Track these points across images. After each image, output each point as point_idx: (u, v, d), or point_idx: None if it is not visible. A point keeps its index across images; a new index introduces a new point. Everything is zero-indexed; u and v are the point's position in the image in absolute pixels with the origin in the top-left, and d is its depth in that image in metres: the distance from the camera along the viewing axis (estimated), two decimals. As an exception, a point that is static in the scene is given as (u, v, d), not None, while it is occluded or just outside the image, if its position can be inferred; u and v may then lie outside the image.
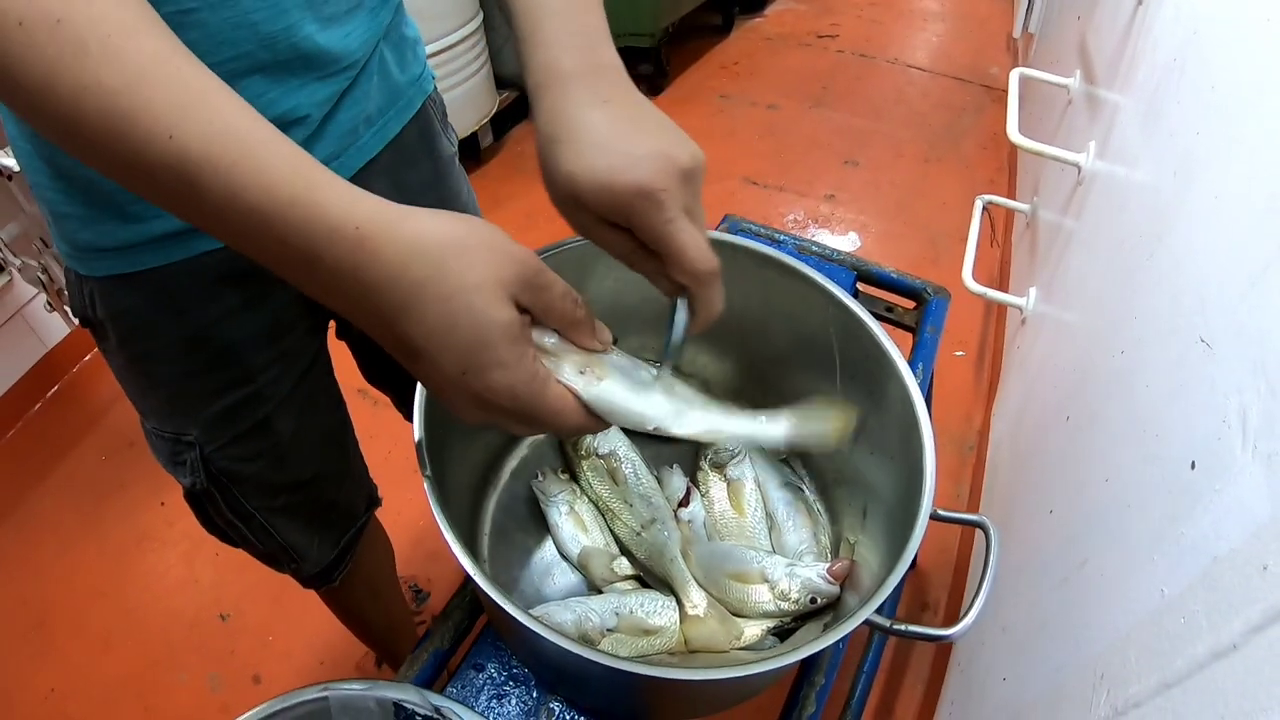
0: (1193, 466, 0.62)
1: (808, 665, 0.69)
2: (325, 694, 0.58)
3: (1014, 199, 1.88)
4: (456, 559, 0.47)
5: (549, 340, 0.44)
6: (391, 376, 0.93)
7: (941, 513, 0.57)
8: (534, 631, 0.45)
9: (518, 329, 0.40)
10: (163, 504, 1.71)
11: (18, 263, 1.64)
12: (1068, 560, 0.86)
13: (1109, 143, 1.23)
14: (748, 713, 0.96)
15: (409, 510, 1.52)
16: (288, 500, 0.81)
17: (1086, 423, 0.96)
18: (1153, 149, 0.99)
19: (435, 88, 0.74)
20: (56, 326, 1.95)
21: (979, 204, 1.65)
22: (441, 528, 0.48)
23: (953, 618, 1.28)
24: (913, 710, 1.28)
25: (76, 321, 0.70)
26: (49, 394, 1.96)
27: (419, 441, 0.52)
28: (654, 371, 0.48)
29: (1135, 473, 0.75)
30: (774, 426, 0.51)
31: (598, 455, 0.72)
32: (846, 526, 0.71)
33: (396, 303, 0.38)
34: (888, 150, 2.40)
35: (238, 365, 0.69)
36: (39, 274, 1.59)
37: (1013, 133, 1.41)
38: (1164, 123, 0.98)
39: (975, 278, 1.47)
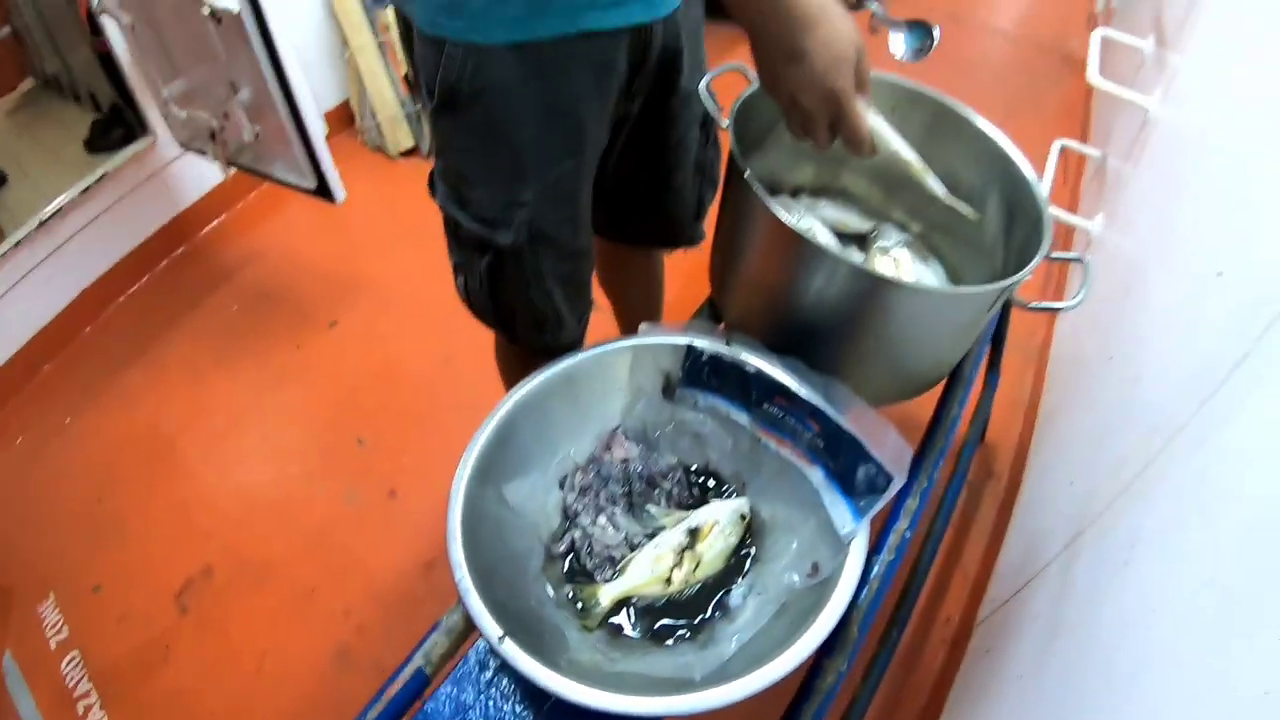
0: (1220, 275, 0.98)
1: (952, 381, 1.03)
2: (633, 343, 0.90)
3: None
4: (754, 192, 0.80)
5: None
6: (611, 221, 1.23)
7: (1054, 255, 0.90)
8: (805, 243, 0.78)
9: (857, 63, 0.74)
10: (299, 347, 2.02)
11: (182, 115, 1.91)
12: (1124, 379, 1.22)
13: (1172, 89, 1.58)
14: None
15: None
16: (570, 269, 1.09)
17: (1140, 284, 1.32)
18: (1206, 84, 1.37)
19: None
20: (189, 190, 2.26)
21: (1056, 145, 1.98)
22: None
23: (1015, 486, 1.63)
24: (977, 557, 1.61)
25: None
26: (176, 253, 2.27)
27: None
28: None
29: (1179, 297, 1.11)
30: (939, 187, 0.91)
31: (803, 231, 1.04)
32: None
33: (805, 23, 0.70)
34: (971, 103, 2.72)
35: (578, 137, 0.96)
36: (210, 121, 1.85)
37: (1093, 76, 1.74)
38: (1216, 65, 1.35)
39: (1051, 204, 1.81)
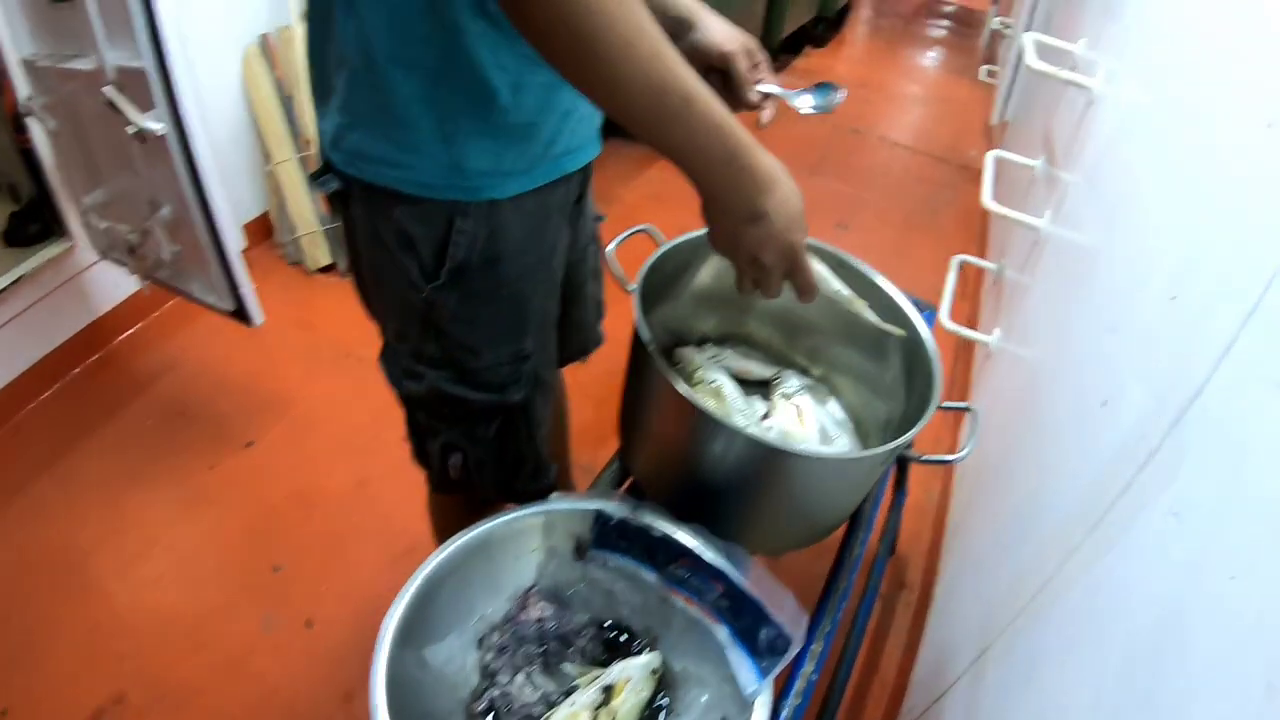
0: (1104, 404, 1.05)
1: (853, 524, 1.08)
2: (545, 509, 0.94)
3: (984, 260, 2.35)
4: (655, 365, 0.86)
5: None
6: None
7: (945, 404, 0.97)
8: (708, 415, 0.84)
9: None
10: (212, 467, 1.99)
11: (102, 225, 1.90)
12: (1022, 497, 1.29)
13: (1061, 209, 1.70)
14: (798, 572, 1.24)
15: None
16: (550, 408, 1.11)
17: (1034, 409, 1.40)
18: (1090, 210, 1.47)
19: None
20: (106, 296, 2.24)
21: (955, 261, 2.10)
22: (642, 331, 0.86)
23: (927, 594, 1.69)
24: (894, 665, 1.66)
25: (347, 267, 0.97)
26: (90, 360, 2.23)
27: (636, 290, 0.91)
28: None
29: (1070, 424, 1.19)
30: (874, 316, 1.01)
31: (706, 383, 1.10)
32: (872, 440, 1.11)
33: (765, 185, 0.75)
34: (874, 217, 2.91)
35: (555, 280, 1.01)
36: (129, 235, 1.84)
37: (986, 200, 1.87)
38: (1099, 190, 1.45)
39: (950, 320, 1.92)
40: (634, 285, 0.97)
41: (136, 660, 1.64)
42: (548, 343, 1.05)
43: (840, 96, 0.98)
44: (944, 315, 1.91)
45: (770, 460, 0.88)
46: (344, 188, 0.91)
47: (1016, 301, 1.88)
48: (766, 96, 0.95)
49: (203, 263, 1.77)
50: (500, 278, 0.92)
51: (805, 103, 0.99)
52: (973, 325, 2.35)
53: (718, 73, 0.95)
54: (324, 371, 2.24)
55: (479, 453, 1.06)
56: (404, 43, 0.78)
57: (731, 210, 0.77)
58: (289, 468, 2.01)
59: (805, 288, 0.84)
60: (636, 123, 0.72)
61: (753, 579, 0.84)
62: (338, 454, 2.05)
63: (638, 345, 0.94)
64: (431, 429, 1.07)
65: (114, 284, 2.24)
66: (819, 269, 0.91)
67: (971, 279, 2.50)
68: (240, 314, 1.80)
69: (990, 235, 2.65)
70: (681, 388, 0.86)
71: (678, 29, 0.95)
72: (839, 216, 2.91)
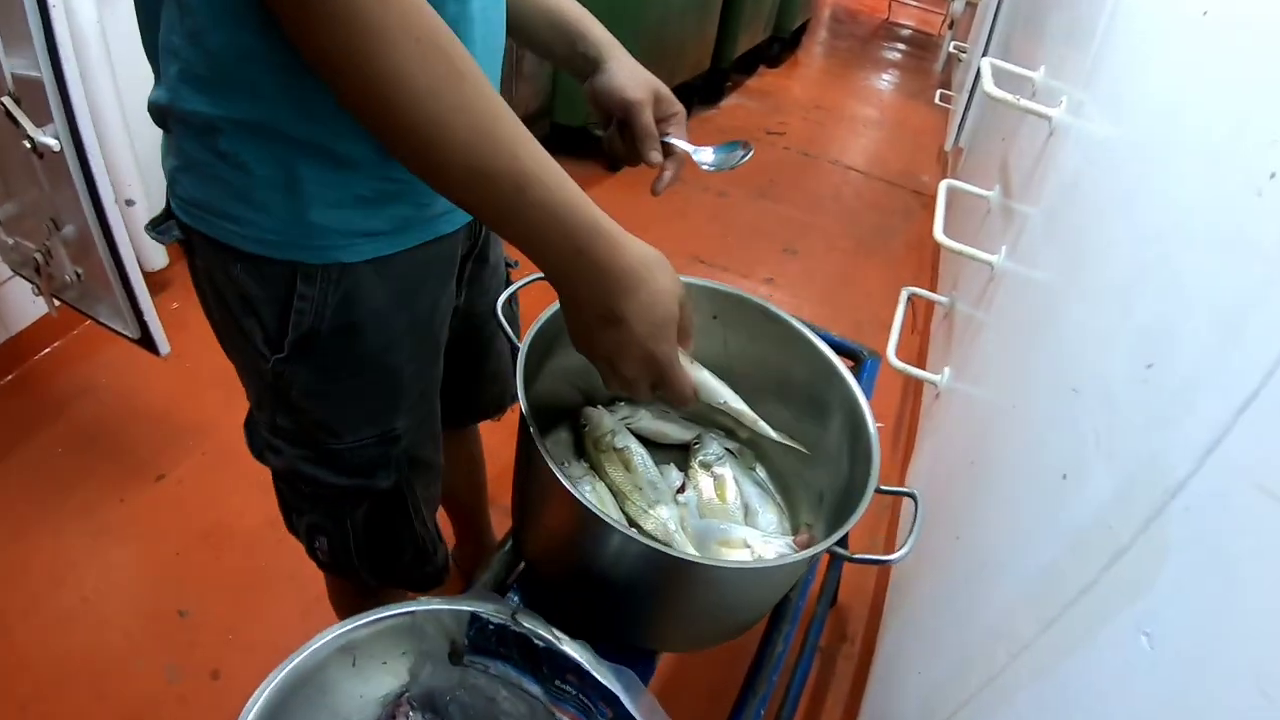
0: (1064, 477, 0.90)
1: (777, 615, 0.93)
2: (413, 609, 0.78)
3: (935, 293, 2.22)
4: (538, 449, 0.71)
5: None
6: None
7: (883, 487, 0.83)
8: (594, 517, 0.69)
9: (680, 320, 0.66)
10: (122, 500, 1.82)
11: (10, 241, 1.74)
12: (971, 564, 1.14)
13: (1018, 246, 1.56)
14: (722, 662, 1.09)
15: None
16: (437, 488, 0.97)
17: (986, 464, 1.25)
18: (1050, 250, 1.32)
19: None
20: (23, 313, 2.05)
21: (905, 293, 1.96)
22: (537, 439, 0.71)
23: (870, 647, 1.55)
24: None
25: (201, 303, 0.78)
26: (5, 380, 2.05)
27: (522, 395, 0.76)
28: None
29: (1024, 492, 1.04)
30: (770, 430, 0.86)
31: (615, 450, 0.95)
32: (803, 514, 0.96)
33: (624, 286, 0.61)
34: (823, 242, 2.77)
35: (437, 344, 0.87)
36: (35, 253, 1.68)
37: (938, 233, 1.73)
38: (1060, 230, 1.30)
39: (898, 357, 1.78)
40: (523, 344, 0.81)
41: (38, 707, 1.50)
42: (428, 417, 0.90)
43: (745, 156, 0.87)
44: (891, 353, 1.77)
45: (670, 567, 0.72)
46: (185, 238, 0.75)
47: (969, 339, 1.73)
48: (670, 152, 0.83)
49: (108, 285, 1.61)
50: (359, 349, 0.78)
51: (707, 157, 0.88)
52: (921, 361, 2.21)
53: (621, 122, 0.82)
54: (241, 400, 2.03)
55: (342, 541, 0.91)
56: (230, 88, 0.62)
57: (584, 309, 0.65)
58: (200, 504, 1.84)
59: (676, 401, 0.70)
60: (469, 209, 0.60)
61: (644, 710, 0.68)
62: (251, 491, 1.85)
63: (525, 425, 0.78)
64: (296, 507, 0.92)
65: (30, 300, 2.05)
66: (704, 377, 0.79)
67: (922, 310, 2.37)
68: (146, 342, 1.64)
69: (942, 265, 2.52)
70: (566, 482, 0.70)
71: (584, 67, 0.83)
72: (787, 241, 2.77)
